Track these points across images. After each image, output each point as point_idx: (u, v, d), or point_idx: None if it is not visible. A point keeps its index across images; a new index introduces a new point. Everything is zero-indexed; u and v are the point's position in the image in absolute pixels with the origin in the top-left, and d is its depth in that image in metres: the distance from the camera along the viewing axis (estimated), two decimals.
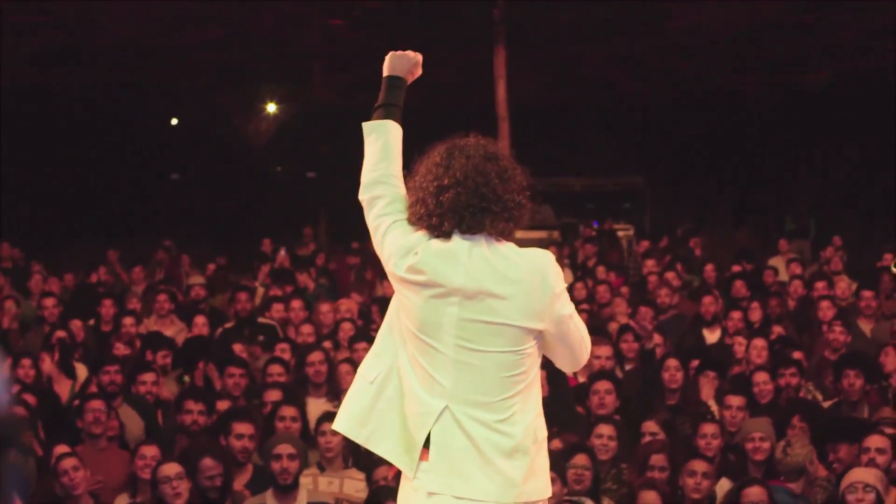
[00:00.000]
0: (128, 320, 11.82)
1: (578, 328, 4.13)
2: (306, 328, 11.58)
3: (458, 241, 4.00)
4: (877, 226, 22.81)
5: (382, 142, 4.37)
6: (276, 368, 9.60)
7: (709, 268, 15.22)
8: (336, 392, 9.20)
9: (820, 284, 13.21)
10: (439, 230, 4.02)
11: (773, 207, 25.71)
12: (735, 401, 8.47)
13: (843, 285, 13.52)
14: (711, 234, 22.61)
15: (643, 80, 23.67)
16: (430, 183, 4.07)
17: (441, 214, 4.01)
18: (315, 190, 27.89)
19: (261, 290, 14.63)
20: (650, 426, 8.28)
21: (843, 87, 22.81)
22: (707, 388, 9.41)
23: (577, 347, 4.16)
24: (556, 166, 23.53)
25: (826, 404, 9.19)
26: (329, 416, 7.60)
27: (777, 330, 11.29)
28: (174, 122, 27.54)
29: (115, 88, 23.17)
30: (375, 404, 4.11)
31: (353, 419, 4.18)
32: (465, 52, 18.55)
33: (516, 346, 3.98)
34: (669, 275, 13.66)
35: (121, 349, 10.44)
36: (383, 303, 14.14)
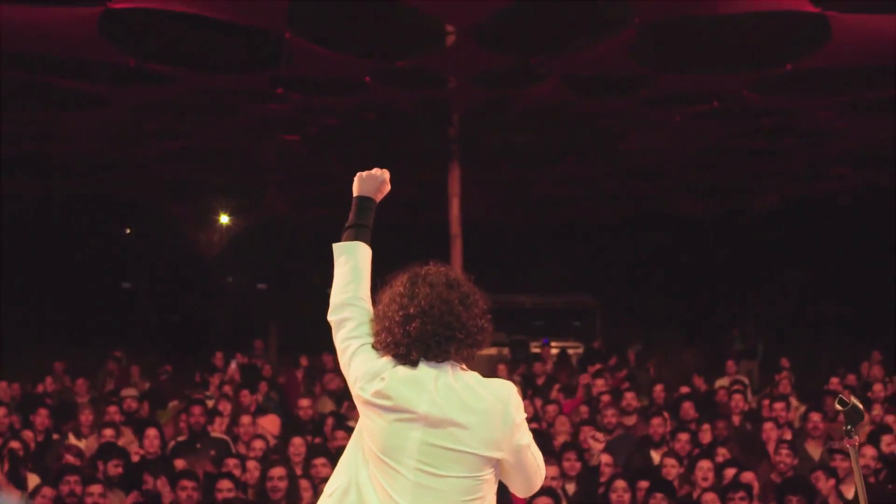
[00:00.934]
0: (73, 431, 11.74)
1: (535, 456, 4.19)
2: (258, 443, 11.50)
3: (424, 369, 4.07)
4: (823, 347, 23.03)
5: (352, 264, 4.48)
6: (225, 484, 9.52)
7: (658, 388, 15.25)
8: None
9: (767, 403, 13.27)
10: (406, 359, 4.08)
11: (722, 328, 25.86)
12: None
13: (791, 408, 13.62)
14: (660, 354, 22.70)
15: (595, 201, 23.92)
16: (395, 312, 4.12)
17: (408, 344, 4.07)
18: (265, 302, 27.91)
19: (210, 403, 14.54)
20: None
21: (792, 212, 23.17)
22: None
23: (533, 475, 4.22)
24: (507, 284, 23.68)
25: None
26: None
27: (722, 452, 11.31)
28: (128, 231, 27.56)
29: (70, 198, 23.22)
30: None
31: None
32: (421, 170, 18.73)
33: (475, 472, 4.03)
34: (629, 395, 13.65)
35: (70, 459, 10.35)
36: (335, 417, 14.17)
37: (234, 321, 27.32)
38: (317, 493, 9.02)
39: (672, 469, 10.51)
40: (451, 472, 4.00)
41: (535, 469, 4.21)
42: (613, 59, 12.82)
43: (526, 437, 4.12)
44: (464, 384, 4.05)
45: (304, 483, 9.53)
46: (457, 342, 4.06)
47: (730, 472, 10.18)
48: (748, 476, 9.86)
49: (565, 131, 16.66)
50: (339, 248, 4.54)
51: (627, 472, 10.52)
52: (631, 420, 12.98)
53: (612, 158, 18.99)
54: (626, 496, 9.39)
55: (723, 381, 16.61)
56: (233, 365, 18.15)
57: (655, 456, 11.72)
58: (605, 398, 13.41)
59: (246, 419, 12.31)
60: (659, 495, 9.45)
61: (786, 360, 18.33)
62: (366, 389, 4.11)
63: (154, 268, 27.44)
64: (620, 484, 9.38)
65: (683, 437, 11.75)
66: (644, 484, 9.78)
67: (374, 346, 4.18)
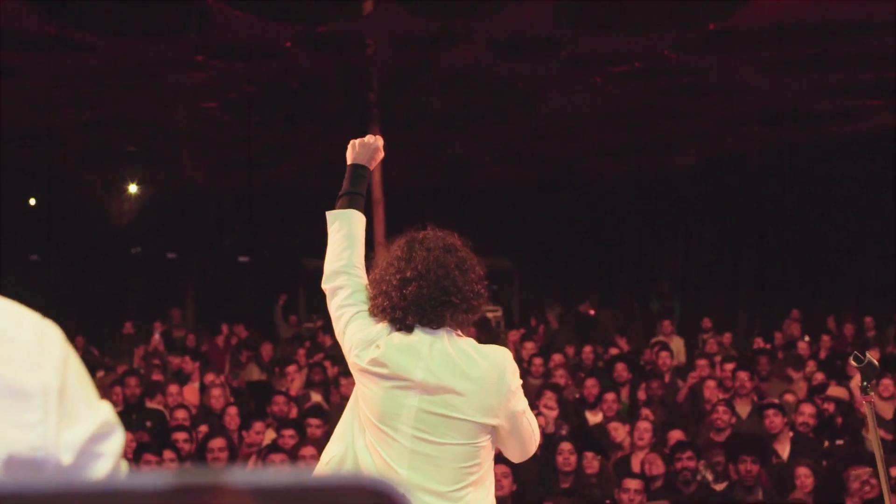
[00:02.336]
0: None
1: (530, 422, 4.25)
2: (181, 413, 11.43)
3: (419, 335, 4.09)
4: (739, 305, 23.29)
5: (346, 231, 4.47)
6: (169, 454, 9.45)
7: (587, 349, 15.36)
8: None
9: (701, 363, 13.40)
10: (402, 324, 4.11)
11: (639, 288, 26.05)
12: (633, 484, 8.52)
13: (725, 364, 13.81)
14: (575, 316, 22.83)
15: (511, 163, 23.92)
16: (392, 276, 4.15)
17: (405, 308, 4.10)
18: (176, 270, 27.65)
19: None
20: None
21: (707, 171, 23.35)
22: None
23: (528, 440, 4.27)
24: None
25: (718, 487, 9.31)
26: None
27: (658, 412, 11.43)
28: (32, 202, 27.10)
29: None
30: None
31: None
32: (341, 134, 18.59)
33: (472, 439, 4.07)
34: (557, 356, 13.73)
35: None
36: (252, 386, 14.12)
37: (146, 291, 27.03)
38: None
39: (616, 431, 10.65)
40: (448, 439, 4.03)
41: (529, 435, 4.24)
42: (535, 21, 12.79)
43: (521, 404, 4.16)
44: (459, 350, 4.07)
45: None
46: (452, 307, 4.10)
47: (674, 434, 10.30)
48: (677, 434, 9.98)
49: (485, 94, 16.61)
50: (332, 216, 4.54)
51: (571, 435, 10.57)
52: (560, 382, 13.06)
53: (530, 120, 18.98)
54: (573, 458, 9.44)
55: (657, 341, 16.74)
56: (156, 335, 18.02)
57: (590, 417, 11.82)
58: (537, 361, 13.48)
59: (174, 388, 12.27)
60: (589, 455, 9.52)
61: (708, 319, 18.48)
62: (361, 357, 4.12)
63: (63, 238, 27.01)
64: (566, 446, 9.43)
65: (610, 396, 11.87)
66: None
67: (369, 311, 4.19)
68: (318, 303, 22.84)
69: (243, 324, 20.38)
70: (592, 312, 21.25)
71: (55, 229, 26.18)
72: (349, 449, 4.16)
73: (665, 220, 25.08)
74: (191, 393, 12.80)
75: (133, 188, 25.53)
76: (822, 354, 15.53)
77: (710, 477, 9.38)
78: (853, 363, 4.57)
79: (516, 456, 4.36)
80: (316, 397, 12.72)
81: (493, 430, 4.14)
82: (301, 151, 20.51)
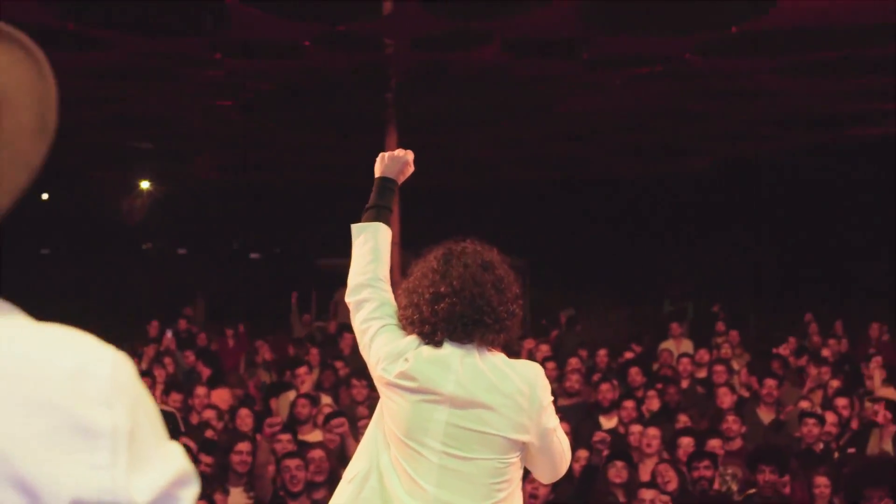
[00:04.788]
0: None
1: (561, 441, 4.15)
2: (208, 413, 11.38)
3: (449, 349, 3.99)
4: (753, 308, 23.19)
5: (372, 245, 4.38)
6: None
7: (602, 353, 15.26)
8: (253, 484, 9.01)
9: (719, 368, 13.28)
10: (431, 339, 4.01)
11: (653, 290, 25.95)
12: (648, 494, 8.43)
13: (742, 371, 13.71)
14: (590, 317, 22.78)
15: (527, 164, 23.86)
16: (425, 289, 4.06)
17: (435, 324, 4.00)
18: (187, 268, 27.66)
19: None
20: None
21: (724, 174, 23.27)
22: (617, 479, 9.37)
23: (559, 459, 4.17)
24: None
25: (739, 498, 9.22)
26: None
27: (683, 419, 11.30)
28: (45, 196, 27.13)
29: None
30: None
31: None
32: (358, 135, 18.60)
33: (502, 455, 3.97)
34: (573, 360, 13.62)
35: None
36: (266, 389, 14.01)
37: (157, 287, 26.99)
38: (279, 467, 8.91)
39: (636, 436, 10.55)
40: (478, 454, 3.94)
41: (560, 453, 4.15)
42: (556, 22, 12.70)
43: (553, 421, 4.07)
44: (491, 365, 3.98)
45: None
46: (484, 327, 4.00)
47: (685, 440, 10.19)
48: (714, 443, 9.86)
49: (504, 95, 16.54)
50: (358, 229, 4.46)
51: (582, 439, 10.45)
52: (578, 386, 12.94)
53: (547, 121, 18.91)
54: None
55: (667, 344, 16.63)
56: (168, 334, 17.95)
57: (604, 422, 11.72)
58: (551, 365, 13.34)
59: (201, 390, 12.22)
60: (620, 464, 9.42)
61: (721, 324, 18.34)
62: (389, 370, 4.03)
63: (75, 234, 27.01)
64: (583, 453, 9.32)
65: (629, 403, 11.77)
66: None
67: (399, 321, 4.11)
68: (330, 302, 22.82)
69: (253, 322, 20.34)
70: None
71: (66, 224, 26.19)
72: (373, 465, 4.06)
73: (681, 222, 24.99)
74: (219, 397, 12.66)
75: (146, 185, 25.54)
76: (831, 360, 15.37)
77: (734, 487, 9.28)
78: None
79: (546, 476, 4.26)
80: (326, 399, 12.61)
81: (524, 448, 4.04)
82: (315, 151, 20.48)
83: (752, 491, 8.97)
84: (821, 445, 10.15)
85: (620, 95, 16.68)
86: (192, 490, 1.57)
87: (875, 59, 14.01)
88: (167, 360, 15.10)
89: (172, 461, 1.55)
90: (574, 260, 25.97)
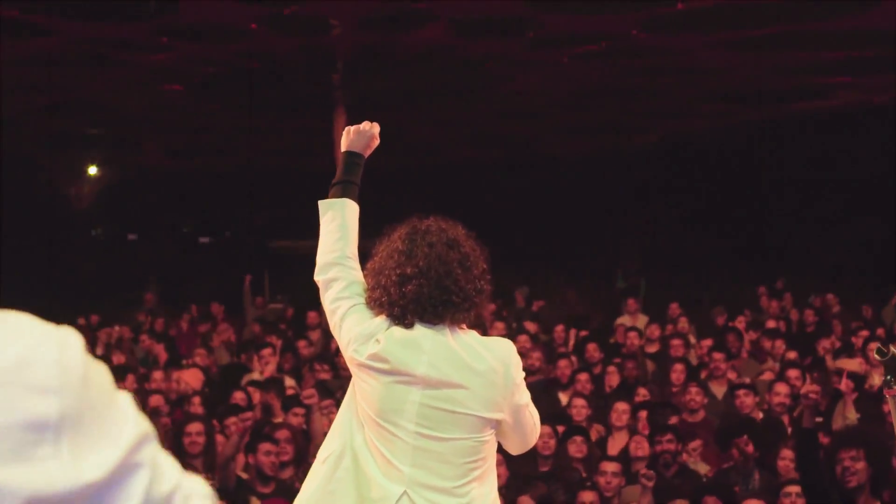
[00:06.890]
0: None
1: (532, 415, 4.20)
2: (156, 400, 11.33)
3: (420, 330, 3.99)
4: (704, 283, 23.28)
5: (339, 222, 4.36)
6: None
7: (559, 329, 15.32)
8: (212, 465, 8.94)
9: (676, 342, 13.32)
10: (401, 320, 4.00)
11: (604, 267, 25.97)
12: (611, 467, 8.45)
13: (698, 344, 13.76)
14: (542, 295, 22.78)
15: (473, 143, 23.87)
16: (391, 270, 4.04)
17: (404, 306, 3.99)
18: (138, 252, 27.48)
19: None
20: (525, 501, 8.21)
21: (668, 150, 23.37)
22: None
23: (529, 433, 4.22)
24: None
25: (706, 470, 9.27)
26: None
27: (643, 392, 11.34)
28: None
29: None
30: (327, 485, 4.05)
31: (307, 499, 4.10)
32: (305, 117, 18.57)
33: (476, 433, 3.99)
34: (522, 338, 13.64)
35: None
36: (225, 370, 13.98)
37: (107, 273, 26.78)
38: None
39: (582, 410, 10.55)
40: (452, 434, 3.95)
41: (531, 428, 4.20)
42: (502, 0, 12.73)
43: (525, 397, 4.10)
44: (463, 344, 3.98)
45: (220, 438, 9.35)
46: (453, 307, 3.99)
47: (644, 414, 10.23)
48: (675, 418, 9.90)
49: (450, 75, 16.53)
50: (325, 205, 4.41)
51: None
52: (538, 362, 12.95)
53: (494, 100, 18.91)
54: (552, 441, 9.35)
55: (623, 320, 16.68)
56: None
57: (563, 398, 11.75)
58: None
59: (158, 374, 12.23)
60: (578, 439, 9.44)
61: (676, 305, 18.23)
62: (360, 352, 4.01)
63: (22, 219, 26.77)
64: (545, 429, 9.29)
65: (583, 377, 11.80)
66: (561, 428, 9.78)
67: (366, 303, 4.08)
68: (282, 284, 22.77)
69: (207, 306, 20.22)
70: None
71: (14, 210, 25.95)
72: (347, 446, 4.05)
73: (630, 199, 25.06)
74: (193, 376, 12.63)
75: (93, 170, 25.35)
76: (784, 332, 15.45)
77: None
78: (877, 357, 4.42)
79: (516, 448, 4.29)
80: (289, 382, 12.60)
81: (497, 424, 4.05)
82: (264, 133, 20.43)
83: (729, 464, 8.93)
84: (786, 418, 10.16)
85: (566, 73, 16.70)
86: (150, 450, 1.54)
87: (819, 33, 14.10)
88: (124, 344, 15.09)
89: (127, 430, 1.50)
90: (524, 238, 25.94)
